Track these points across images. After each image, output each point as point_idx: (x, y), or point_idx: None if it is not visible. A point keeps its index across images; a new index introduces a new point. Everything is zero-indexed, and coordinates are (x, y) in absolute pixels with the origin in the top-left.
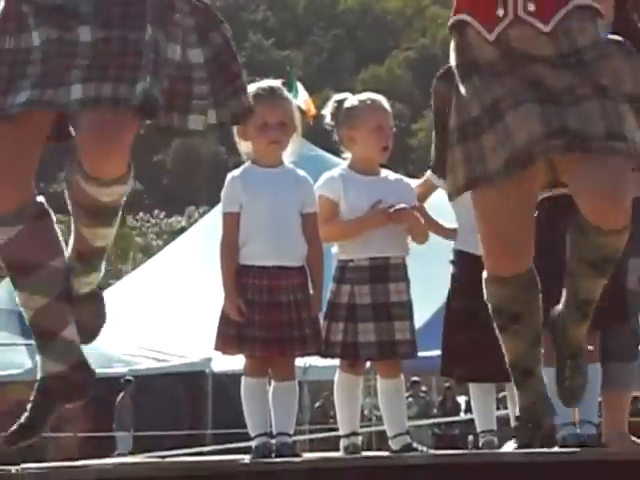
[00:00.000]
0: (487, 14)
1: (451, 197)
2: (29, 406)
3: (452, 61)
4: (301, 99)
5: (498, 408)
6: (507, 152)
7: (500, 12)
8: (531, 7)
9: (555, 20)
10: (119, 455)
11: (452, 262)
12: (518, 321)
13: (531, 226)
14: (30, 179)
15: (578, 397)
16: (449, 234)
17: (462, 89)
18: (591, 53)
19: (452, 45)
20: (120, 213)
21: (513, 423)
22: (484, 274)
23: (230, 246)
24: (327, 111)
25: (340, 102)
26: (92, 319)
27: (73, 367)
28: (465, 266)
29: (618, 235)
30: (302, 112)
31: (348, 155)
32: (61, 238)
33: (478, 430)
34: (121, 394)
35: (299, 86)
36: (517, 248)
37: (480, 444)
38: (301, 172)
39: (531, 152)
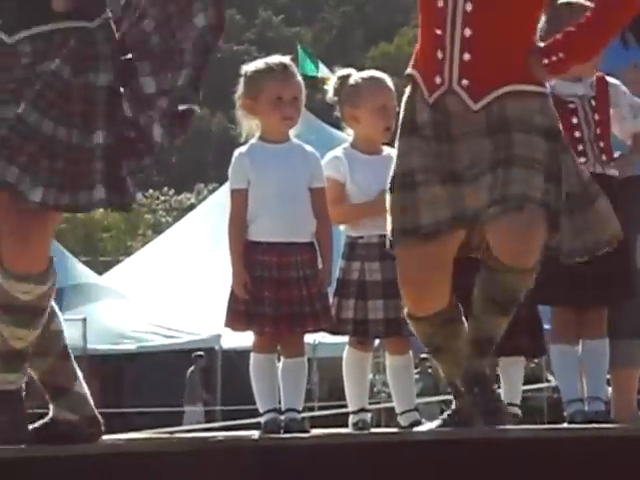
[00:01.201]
0: (429, 78)
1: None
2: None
3: (400, 111)
4: (322, 73)
5: None
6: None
7: (438, 80)
8: (465, 82)
9: (484, 101)
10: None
11: None
12: (440, 351)
13: (449, 275)
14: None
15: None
16: None
17: (404, 140)
18: (517, 126)
19: (404, 96)
20: (45, 317)
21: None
22: (405, 310)
23: (238, 223)
24: (330, 86)
25: (343, 78)
26: None
27: (84, 418)
28: None
29: (525, 274)
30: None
31: (351, 132)
32: None
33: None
34: (191, 368)
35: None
36: (432, 295)
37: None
38: (308, 147)
39: (440, 230)
